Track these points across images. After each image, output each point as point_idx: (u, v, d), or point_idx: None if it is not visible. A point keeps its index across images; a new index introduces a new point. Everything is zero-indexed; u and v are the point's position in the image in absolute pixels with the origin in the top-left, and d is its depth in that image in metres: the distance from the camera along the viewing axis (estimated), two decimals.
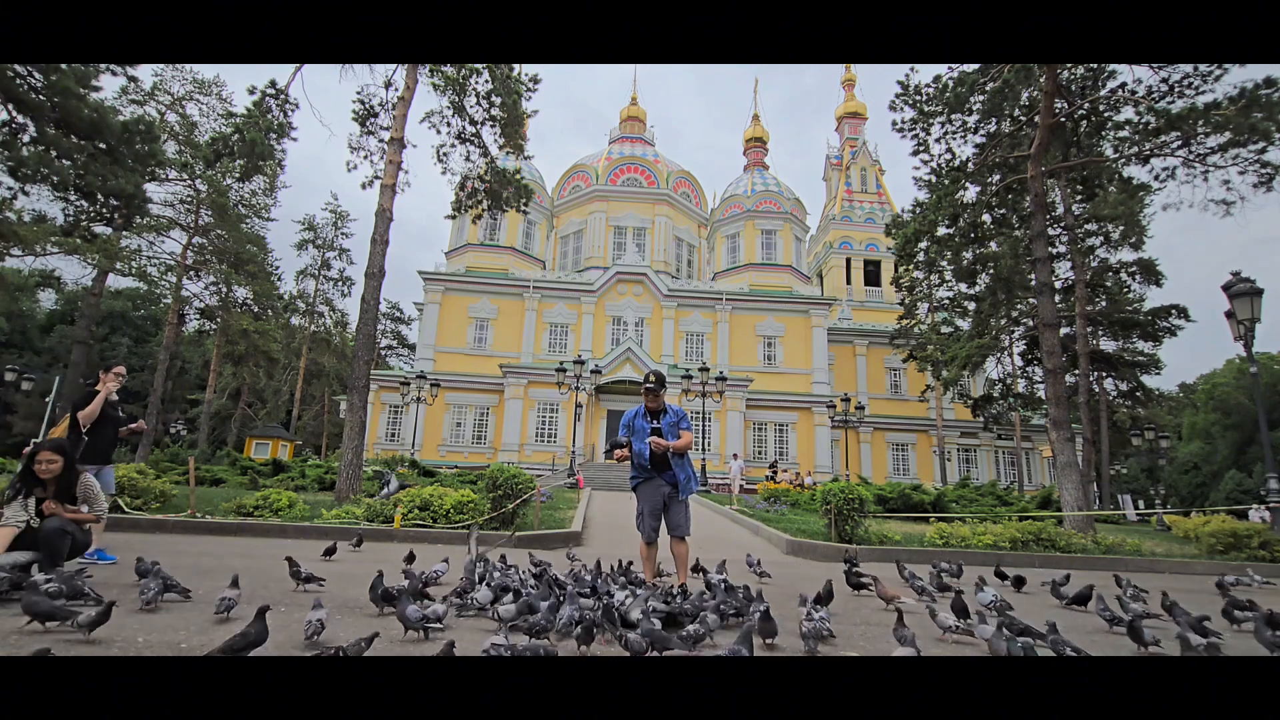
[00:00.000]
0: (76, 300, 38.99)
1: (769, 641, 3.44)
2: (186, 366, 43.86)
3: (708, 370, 26.91)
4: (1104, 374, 25.14)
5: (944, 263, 20.49)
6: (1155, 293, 25.33)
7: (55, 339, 41.64)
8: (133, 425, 6.17)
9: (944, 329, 31.82)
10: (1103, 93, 13.63)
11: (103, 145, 17.33)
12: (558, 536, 8.36)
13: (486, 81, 14.38)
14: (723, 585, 4.41)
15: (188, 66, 28.10)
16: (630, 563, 5.34)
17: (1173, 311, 23.88)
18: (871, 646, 3.64)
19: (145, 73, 26.98)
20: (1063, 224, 22.12)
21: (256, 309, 33.23)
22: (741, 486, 22.14)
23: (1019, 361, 30.24)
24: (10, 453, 27.11)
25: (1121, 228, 21.57)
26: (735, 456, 25.42)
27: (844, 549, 8.21)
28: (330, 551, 6.00)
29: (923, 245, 17.89)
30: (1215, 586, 5.61)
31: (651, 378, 4.85)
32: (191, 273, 29.49)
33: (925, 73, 78.11)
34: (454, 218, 17.08)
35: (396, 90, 13.76)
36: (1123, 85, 13.30)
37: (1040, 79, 12.92)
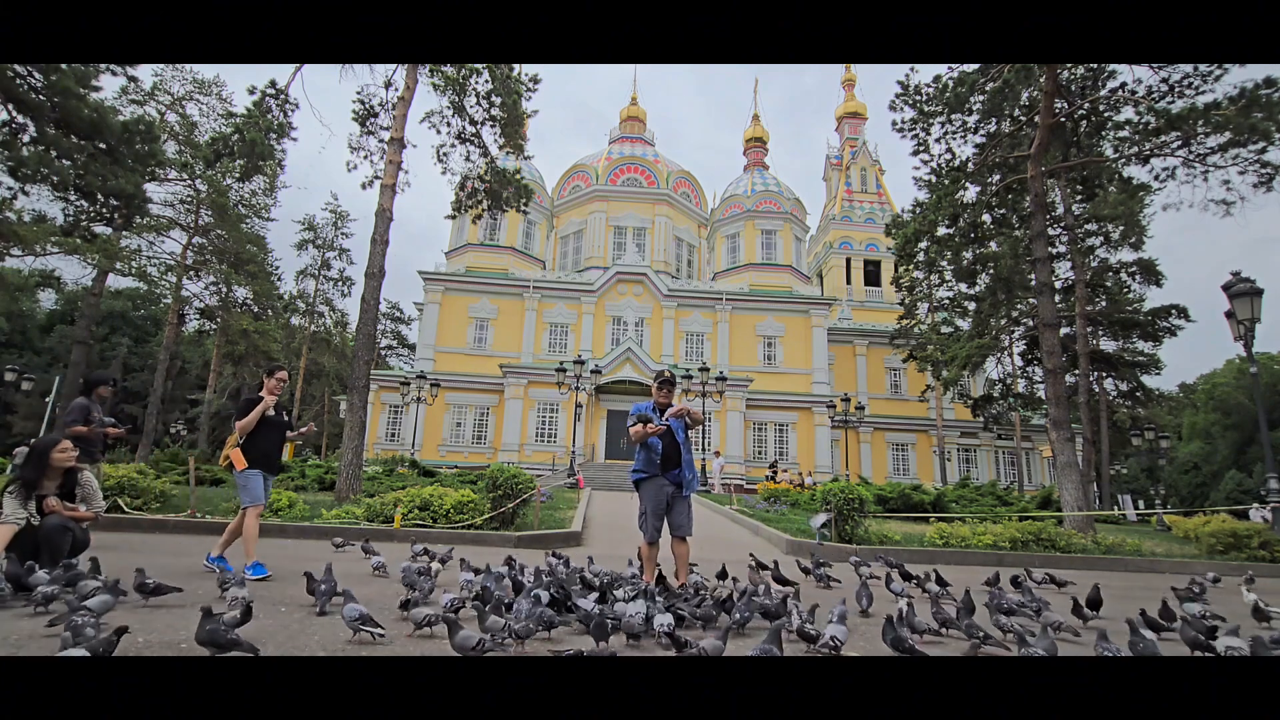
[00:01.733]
0: (76, 300, 38.97)
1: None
2: (186, 366, 43.84)
3: (708, 370, 26.92)
4: (1104, 374, 25.12)
5: (944, 263, 20.48)
6: (1155, 293, 25.29)
7: (55, 339, 41.62)
8: (302, 430, 5.82)
9: (944, 329, 31.81)
10: (1103, 93, 13.62)
11: (103, 145, 17.31)
12: (558, 536, 8.36)
13: (486, 81, 14.37)
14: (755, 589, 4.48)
15: (188, 66, 28.06)
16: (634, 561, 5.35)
17: (1173, 311, 23.85)
18: (872, 646, 3.65)
19: (145, 73, 26.94)
20: (1063, 224, 22.10)
21: (256, 309, 33.18)
22: (739, 486, 22.11)
23: (1019, 361, 30.22)
24: (10, 452, 27.10)
25: (1121, 228, 21.55)
26: (716, 454, 25.33)
27: (845, 549, 8.21)
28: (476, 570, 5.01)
29: (923, 245, 17.89)
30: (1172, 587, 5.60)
31: (666, 373, 4.98)
32: (191, 273, 29.46)
33: (925, 73, 78.12)
34: (454, 218, 17.09)
35: (396, 90, 13.76)
36: (1123, 85, 13.29)
37: (1040, 79, 12.91)
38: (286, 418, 5.63)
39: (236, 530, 5.18)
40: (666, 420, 4.75)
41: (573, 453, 26.69)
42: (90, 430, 6.10)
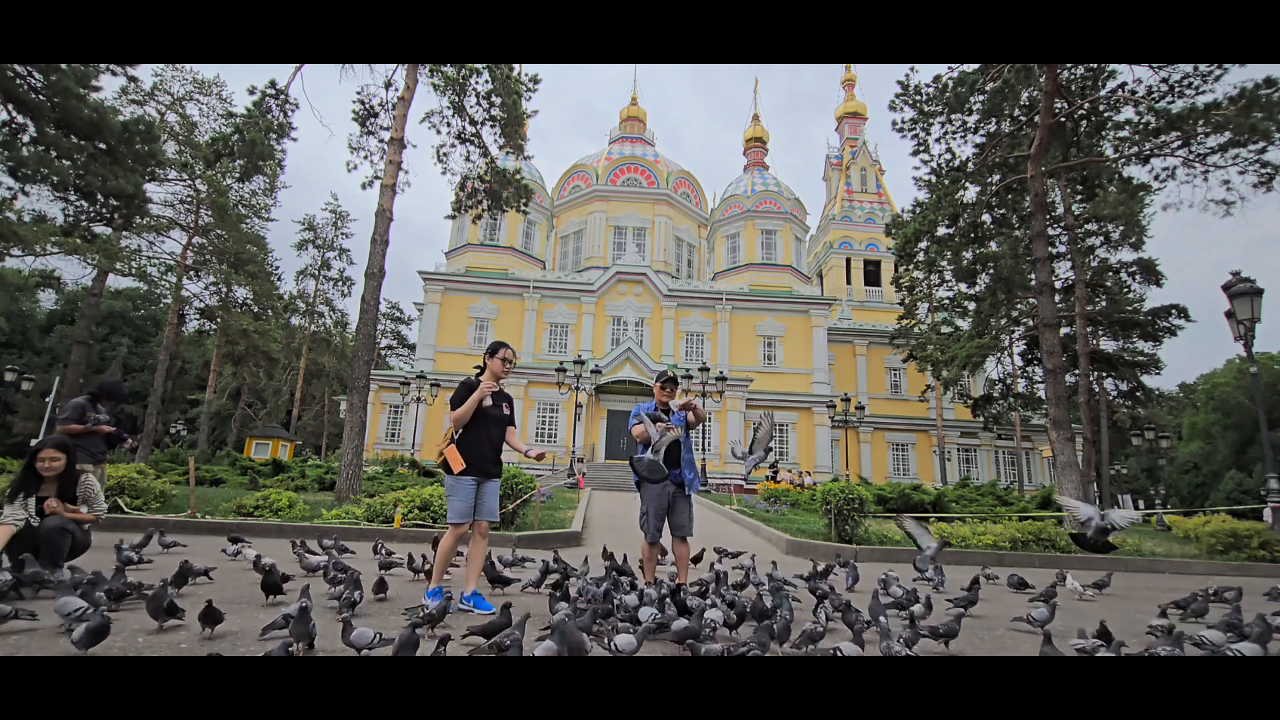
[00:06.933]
0: (76, 300, 38.95)
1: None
2: (186, 366, 43.82)
3: (708, 370, 26.93)
4: (1104, 374, 25.12)
5: (944, 263, 20.48)
6: (1155, 293, 25.33)
7: (55, 339, 41.62)
8: (534, 453, 4.13)
9: (944, 329, 31.79)
10: (1103, 93, 13.62)
11: (103, 145, 17.28)
12: (558, 536, 8.36)
13: (486, 81, 14.38)
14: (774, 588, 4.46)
15: (188, 66, 28.07)
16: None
17: (1173, 311, 23.86)
18: (874, 647, 3.64)
19: (145, 73, 26.97)
20: (1063, 224, 22.10)
21: (256, 309, 33.17)
22: (739, 486, 22.13)
23: (1019, 361, 30.24)
24: (10, 453, 27.11)
25: (1121, 228, 21.55)
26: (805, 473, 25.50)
27: (841, 549, 8.21)
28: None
29: (923, 245, 17.88)
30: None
31: (669, 372, 5.02)
32: (191, 273, 29.45)
33: (925, 73, 78.09)
34: (454, 218, 17.09)
35: (396, 90, 13.76)
36: (1123, 85, 13.30)
37: (1040, 79, 12.92)
38: (509, 411, 4.26)
39: (446, 549, 4.04)
40: (671, 415, 4.77)
41: (573, 453, 26.69)
42: (85, 429, 6.08)
